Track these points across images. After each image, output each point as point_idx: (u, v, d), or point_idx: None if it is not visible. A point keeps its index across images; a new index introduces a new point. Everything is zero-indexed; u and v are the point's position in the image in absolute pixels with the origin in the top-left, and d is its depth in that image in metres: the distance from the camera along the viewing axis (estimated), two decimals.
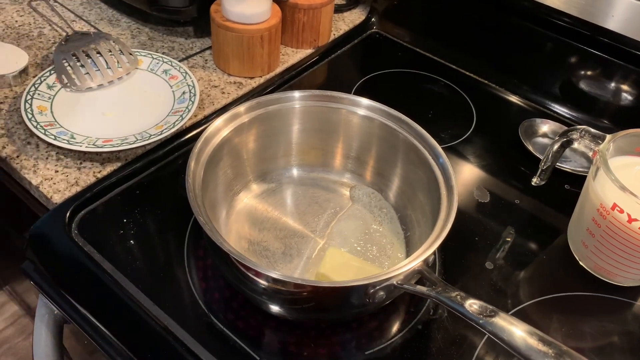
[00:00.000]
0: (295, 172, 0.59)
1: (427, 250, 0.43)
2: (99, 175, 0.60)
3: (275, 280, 0.42)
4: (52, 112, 0.65)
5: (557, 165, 0.64)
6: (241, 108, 0.52)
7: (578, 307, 0.54)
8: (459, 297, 0.40)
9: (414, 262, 0.43)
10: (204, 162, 0.49)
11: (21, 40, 0.77)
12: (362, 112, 0.54)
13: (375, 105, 0.55)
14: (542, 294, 0.54)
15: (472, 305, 0.39)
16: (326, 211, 0.57)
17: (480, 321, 0.38)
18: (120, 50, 0.73)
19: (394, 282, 0.42)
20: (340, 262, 0.49)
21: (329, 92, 0.54)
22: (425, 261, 0.44)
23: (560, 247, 0.59)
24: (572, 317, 0.53)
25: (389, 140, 0.55)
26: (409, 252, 0.54)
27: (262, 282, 0.43)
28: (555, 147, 0.55)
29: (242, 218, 0.56)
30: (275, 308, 0.47)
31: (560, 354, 0.35)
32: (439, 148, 0.51)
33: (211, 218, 0.46)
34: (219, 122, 0.50)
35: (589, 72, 0.74)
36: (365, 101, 0.54)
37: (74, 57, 0.71)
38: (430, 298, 0.42)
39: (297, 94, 0.54)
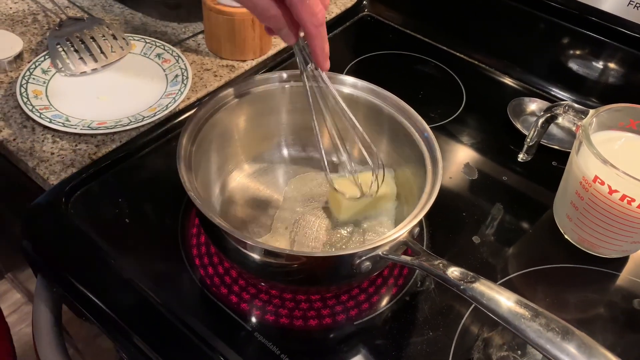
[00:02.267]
0: (285, 151, 0.60)
1: (412, 221, 0.45)
2: (94, 157, 0.61)
3: (265, 252, 0.43)
4: (47, 96, 0.66)
5: (544, 143, 0.66)
6: (230, 89, 0.53)
7: (562, 279, 0.56)
8: (441, 264, 0.42)
9: (399, 232, 0.44)
10: (195, 142, 0.50)
11: (15, 26, 0.78)
12: (347, 90, 0.55)
13: (359, 83, 0.56)
14: (527, 266, 0.55)
15: (454, 272, 0.40)
16: (317, 189, 0.58)
17: (461, 287, 0.39)
18: (113, 35, 0.74)
19: (380, 253, 0.44)
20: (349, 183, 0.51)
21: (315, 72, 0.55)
22: (411, 232, 0.46)
23: (546, 221, 0.60)
24: (556, 288, 0.54)
25: (374, 118, 0.56)
26: (397, 222, 0.56)
27: (253, 255, 0.45)
28: (540, 122, 0.56)
29: (235, 196, 0.57)
30: (267, 281, 0.48)
31: (536, 315, 0.36)
32: (423, 123, 0.52)
33: (204, 196, 0.47)
34: (209, 103, 0.52)
35: (577, 52, 0.75)
36: (349, 79, 0.55)
37: (67, 42, 0.72)
38: (414, 267, 0.43)
39: (285, 74, 0.55)
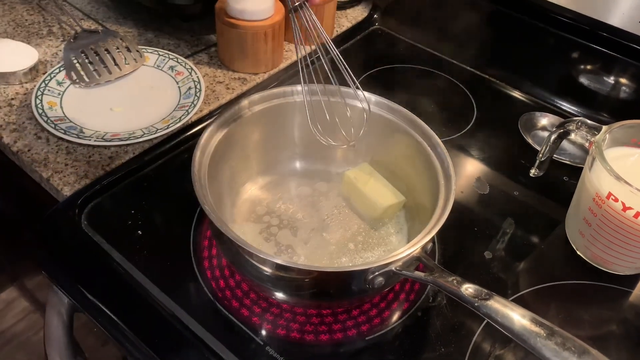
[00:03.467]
0: (298, 164, 0.61)
1: (425, 237, 0.44)
2: (108, 169, 0.62)
3: (278, 266, 0.43)
4: (61, 107, 0.67)
5: (556, 158, 0.66)
6: (245, 102, 0.53)
7: (575, 295, 0.55)
8: (455, 281, 0.41)
9: (412, 248, 0.44)
10: (209, 154, 0.50)
11: (31, 38, 0.79)
12: (359, 104, 0.56)
13: (372, 98, 0.56)
14: (540, 282, 0.55)
15: (468, 289, 0.40)
16: (328, 202, 0.59)
17: (476, 304, 0.39)
18: (127, 48, 0.75)
19: (393, 268, 0.44)
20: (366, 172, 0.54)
21: (329, 86, 0.56)
22: (424, 248, 0.46)
23: (558, 237, 0.60)
24: (569, 305, 0.54)
25: (387, 132, 0.56)
26: (410, 237, 0.56)
27: (265, 269, 0.45)
28: (553, 138, 0.56)
29: (247, 209, 0.57)
30: (278, 294, 0.48)
31: (551, 334, 0.36)
32: (436, 137, 0.52)
33: (217, 208, 0.47)
34: (223, 116, 0.52)
35: (588, 66, 0.75)
36: (362, 94, 0.56)
37: (82, 55, 0.73)
38: (428, 283, 0.43)
39: (299, 87, 0.55)
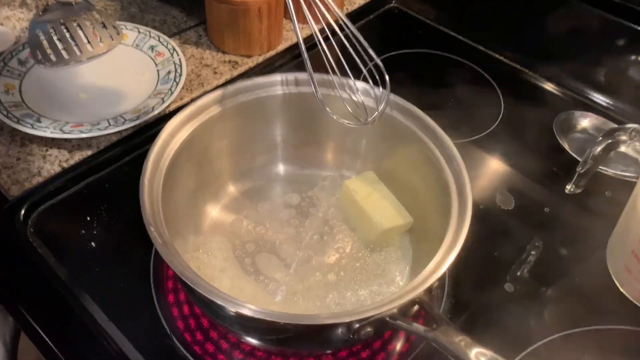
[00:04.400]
0: (281, 169, 0.51)
1: (429, 278, 0.35)
2: (66, 165, 0.53)
3: (245, 317, 0.34)
4: (20, 91, 0.58)
5: (599, 168, 0.54)
6: (212, 96, 0.43)
7: (618, 343, 0.45)
8: (463, 342, 0.32)
9: (412, 293, 0.34)
10: (168, 158, 0.41)
11: (1, 9, 0.70)
12: (357, 98, 0.45)
13: (376, 92, 0.46)
14: (573, 325, 0.45)
15: (479, 356, 0.31)
16: (318, 215, 0.49)
17: None
18: (102, 23, 0.65)
19: (386, 317, 0.34)
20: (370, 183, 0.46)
21: (316, 75, 0.46)
22: (428, 289, 0.36)
23: (597, 267, 0.50)
24: (609, 355, 0.44)
25: (392, 133, 0.46)
26: (413, 266, 0.46)
27: (227, 313, 0.35)
28: (598, 149, 0.45)
29: (218, 223, 0.47)
30: (248, 339, 0.39)
31: None
32: (453, 149, 0.42)
33: (178, 233, 0.38)
34: (183, 114, 0.42)
35: None
36: (362, 85, 0.45)
37: (51, 30, 0.64)
38: (428, 340, 0.33)
39: (279, 77, 0.45)
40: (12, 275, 0.47)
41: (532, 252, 0.50)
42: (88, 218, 0.49)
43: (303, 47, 0.40)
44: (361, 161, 0.51)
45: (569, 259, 0.50)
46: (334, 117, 0.42)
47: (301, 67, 0.69)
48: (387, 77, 0.42)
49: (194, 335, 0.42)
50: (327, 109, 0.41)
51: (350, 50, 0.41)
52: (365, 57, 0.41)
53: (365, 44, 0.41)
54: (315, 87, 0.41)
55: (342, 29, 0.41)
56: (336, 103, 0.42)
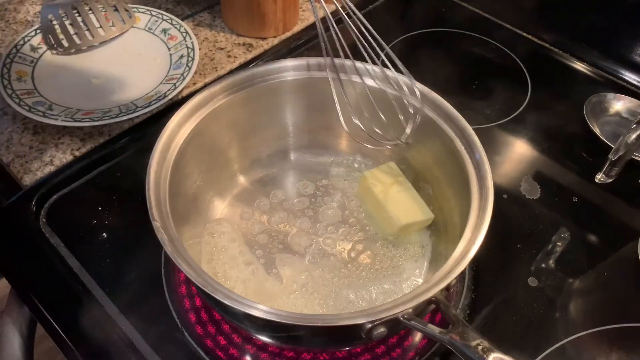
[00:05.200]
0: (293, 157, 0.49)
1: (445, 278, 0.33)
2: (77, 153, 0.52)
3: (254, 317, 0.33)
4: (32, 78, 0.57)
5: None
6: (219, 86, 0.41)
7: None
8: (480, 347, 0.30)
9: (428, 292, 0.32)
10: (174, 153, 0.39)
11: None
12: (375, 84, 0.43)
13: (396, 77, 0.43)
14: (602, 322, 0.43)
15: None
16: (334, 205, 0.47)
17: None
18: (114, 6, 0.64)
19: (399, 317, 0.33)
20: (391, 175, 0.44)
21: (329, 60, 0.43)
22: (446, 288, 0.34)
23: (627, 260, 0.47)
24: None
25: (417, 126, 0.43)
26: (432, 262, 0.44)
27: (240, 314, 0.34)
28: (633, 136, 0.42)
29: (228, 220, 0.46)
30: (261, 337, 0.38)
31: None
32: (476, 140, 0.39)
33: (187, 224, 0.37)
34: (190, 104, 0.41)
35: None
36: (382, 71, 0.43)
37: (62, 14, 0.63)
38: (443, 343, 0.32)
39: (290, 62, 0.43)
40: (25, 265, 0.46)
41: (558, 244, 0.48)
42: (99, 208, 0.49)
43: (323, 33, 0.38)
44: (377, 148, 0.49)
45: (598, 252, 0.47)
46: (355, 140, 0.40)
47: (318, 49, 0.67)
48: (417, 90, 0.39)
49: (205, 329, 0.41)
50: (346, 128, 0.40)
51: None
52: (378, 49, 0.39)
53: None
54: (337, 97, 0.39)
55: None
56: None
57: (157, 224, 0.34)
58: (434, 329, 0.32)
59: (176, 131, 0.40)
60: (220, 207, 0.47)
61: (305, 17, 0.68)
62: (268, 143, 0.46)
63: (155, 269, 0.45)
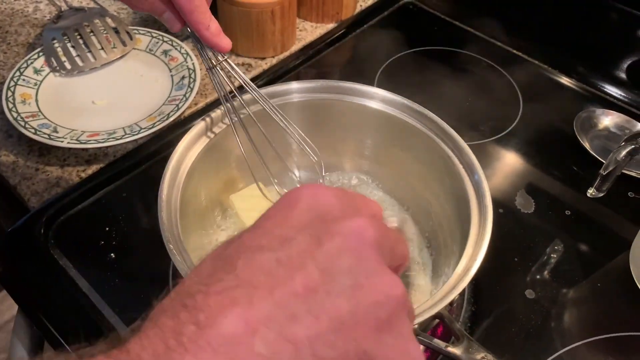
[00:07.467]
0: (297, 175, 0.51)
1: (449, 294, 0.34)
2: (83, 175, 0.54)
3: None
4: (37, 100, 0.58)
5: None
6: (224, 109, 0.43)
7: None
8: None
9: (431, 310, 0.34)
10: (179, 187, 0.40)
11: (15, 16, 0.71)
12: (374, 105, 0.45)
13: (392, 99, 0.45)
14: (596, 332, 0.44)
15: None
16: None
17: None
18: (115, 29, 0.65)
19: None
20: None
21: (333, 83, 0.45)
22: (450, 304, 0.35)
23: (620, 271, 0.49)
24: None
25: (407, 141, 0.45)
26: (434, 275, 0.45)
27: None
28: (622, 153, 0.44)
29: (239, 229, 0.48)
30: None
31: None
32: (475, 162, 0.41)
33: (196, 244, 0.38)
34: (195, 130, 0.42)
35: None
36: (379, 92, 0.45)
37: (64, 37, 0.64)
38: (450, 357, 0.33)
39: (294, 85, 0.45)
40: (35, 286, 0.47)
41: (553, 256, 0.50)
42: (107, 229, 0.50)
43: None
44: (378, 166, 0.50)
45: (591, 264, 0.49)
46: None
47: (315, 68, 0.69)
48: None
49: None
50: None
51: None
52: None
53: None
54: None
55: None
56: None
57: (170, 246, 0.35)
58: (440, 344, 0.34)
59: (184, 154, 0.41)
60: (225, 226, 0.48)
61: (302, 37, 0.70)
62: (273, 161, 0.47)
63: (164, 288, 0.46)
